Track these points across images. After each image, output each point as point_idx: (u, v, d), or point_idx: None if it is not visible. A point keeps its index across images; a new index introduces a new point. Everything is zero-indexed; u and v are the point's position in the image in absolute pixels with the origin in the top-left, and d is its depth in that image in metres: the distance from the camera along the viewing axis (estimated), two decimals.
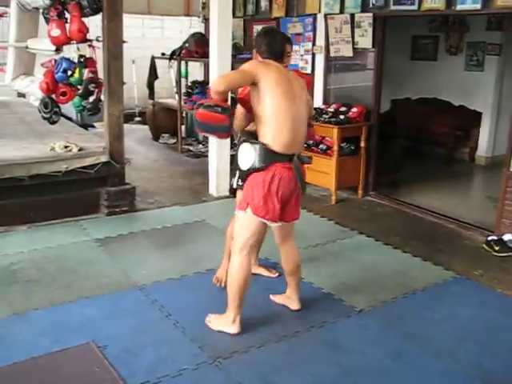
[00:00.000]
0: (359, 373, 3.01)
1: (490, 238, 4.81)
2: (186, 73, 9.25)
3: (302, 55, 7.09)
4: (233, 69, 6.52)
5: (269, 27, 3.83)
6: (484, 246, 4.81)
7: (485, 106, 7.87)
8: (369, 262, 4.53)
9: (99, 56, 5.44)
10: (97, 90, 5.42)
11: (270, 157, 3.07)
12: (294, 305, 3.68)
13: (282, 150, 3.09)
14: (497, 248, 4.69)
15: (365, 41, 6.17)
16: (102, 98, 5.48)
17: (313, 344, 3.30)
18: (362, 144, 6.15)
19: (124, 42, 5.37)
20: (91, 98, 5.49)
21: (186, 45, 8.47)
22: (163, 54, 9.00)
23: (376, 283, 4.10)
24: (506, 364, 3.15)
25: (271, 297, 3.82)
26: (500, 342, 3.37)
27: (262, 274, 4.18)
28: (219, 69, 5.95)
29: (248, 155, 3.12)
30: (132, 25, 9.40)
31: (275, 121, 3.07)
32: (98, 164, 5.33)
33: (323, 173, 6.04)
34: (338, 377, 2.99)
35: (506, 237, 4.72)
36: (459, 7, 5.09)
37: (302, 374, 3.01)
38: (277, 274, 4.15)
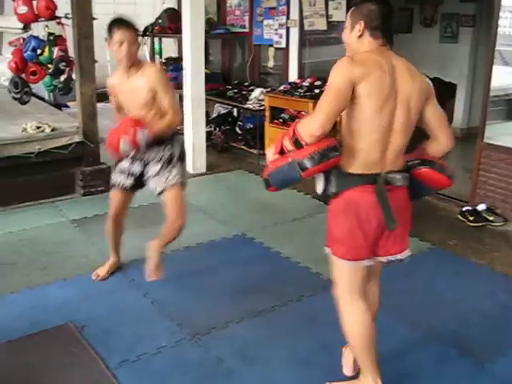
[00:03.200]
0: (337, 347, 3.04)
1: (464, 209, 4.87)
2: (160, 50, 9.11)
3: (276, 29, 7.03)
4: (206, 45, 6.46)
5: None
6: (459, 216, 4.87)
7: (460, 78, 7.89)
8: None
9: (69, 34, 5.33)
10: (68, 69, 5.33)
11: (343, 181, 2.32)
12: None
13: (361, 170, 2.30)
14: (471, 218, 4.76)
15: (339, 14, 6.14)
16: (74, 76, 5.39)
17: (291, 318, 3.32)
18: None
19: (94, 18, 5.26)
20: (62, 77, 5.39)
21: (159, 21, 8.32)
22: None
23: None
24: (481, 331, 3.21)
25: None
26: (474, 309, 3.44)
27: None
28: (192, 45, 5.89)
29: (318, 178, 2.37)
30: (102, 1, 9.20)
31: (356, 133, 2.28)
32: (71, 144, 5.27)
33: None
34: (315, 350, 3.02)
35: (480, 207, 4.79)
36: None
37: (281, 348, 3.04)
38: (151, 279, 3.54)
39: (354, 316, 2.48)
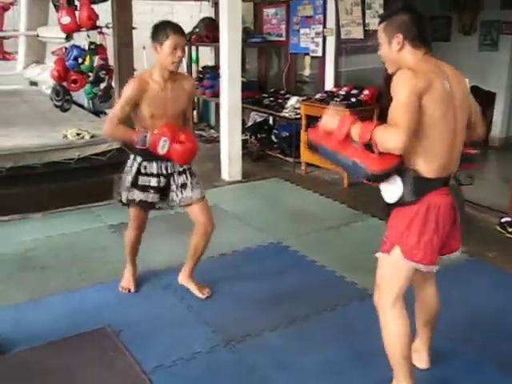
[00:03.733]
0: (371, 356, 3.01)
1: (503, 220, 4.77)
2: (197, 58, 9.24)
3: (312, 38, 7.04)
4: (243, 53, 6.51)
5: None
6: (498, 227, 4.78)
7: (499, 87, 7.76)
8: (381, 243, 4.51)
9: (109, 43, 5.44)
10: (107, 77, 5.44)
11: (422, 186, 2.33)
12: (423, 362, 2.88)
13: (437, 174, 2.34)
14: (510, 230, 4.66)
15: (376, 22, 6.08)
16: (113, 84, 5.50)
17: (325, 327, 3.31)
18: None
19: (134, 28, 5.37)
20: (102, 85, 5.50)
21: (196, 30, 8.45)
22: None
23: None
24: None
25: None
26: None
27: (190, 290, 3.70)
28: (229, 53, 5.94)
29: (393, 185, 2.35)
30: (142, 11, 9.35)
31: (429, 140, 2.28)
32: (110, 151, 5.36)
33: None
34: (349, 359, 3.00)
35: None
36: None
37: (315, 356, 3.02)
38: (206, 296, 3.66)
39: (396, 323, 2.46)
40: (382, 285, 2.50)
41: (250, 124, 7.72)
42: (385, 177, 2.30)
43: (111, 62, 5.47)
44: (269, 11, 7.93)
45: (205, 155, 7.42)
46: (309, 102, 6.49)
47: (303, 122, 6.38)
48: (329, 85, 6.78)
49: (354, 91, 6.23)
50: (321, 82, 7.00)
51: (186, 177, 3.42)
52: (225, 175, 6.27)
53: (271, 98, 7.33)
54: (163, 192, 3.44)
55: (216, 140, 7.83)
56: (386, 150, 2.19)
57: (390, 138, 2.17)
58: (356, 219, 5.10)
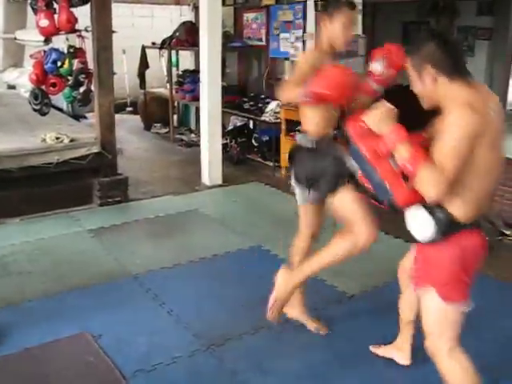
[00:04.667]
0: (351, 358, 3.04)
1: None
2: (177, 62, 9.22)
3: (292, 42, 7.07)
4: (223, 58, 6.51)
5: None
6: None
7: None
8: None
9: (89, 46, 5.41)
10: (87, 81, 5.40)
11: (454, 227, 2.14)
12: (405, 359, 2.93)
13: (471, 217, 2.16)
14: None
15: (354, 28, 6.15)
16: (93, 88, 5.47)
17: (306, 330, 3.32)
18: None
19: (113, 31, 5.35)
20: (81, 89, 5.46)
21: (177, 34, 8.43)
22: (153, 44, 8.95)
23: (367, 268, 4.12)
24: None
25: (372, 349, 3.08)
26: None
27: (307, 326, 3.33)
28: (209, 57, 5.95)
29: (423, 224, 2.16)
30: (121, 14, 9.33)
31: (470, 182, 2.07)
32: (89, 155, 5.33)
33: None
34: (330, 363, 3.02)
35: None
36: None
37: (295, 360, 3.04)
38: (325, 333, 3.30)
39: (461, 369, 2.28)
40: (431, 330, 2.31)
41: (230, 128, 7.73)
42: (405, 211, 2.17)
43: (91, 65, 5.44)
44: (249, 16, 7.95)
45: (185, 159, 7.43)
46: (289, 106, 6.51)
47: (283, 126, 6.41)
48: None
49: None
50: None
51: None
52: (205, 179, 6.26)
53: (251, 103, 7.35)
54: None
55: (196, 144, 7.82)
56: (421, 190, 2.03)
57: (431, 184, 1.99)
58: (335, 223, 5.11)
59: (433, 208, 2.12)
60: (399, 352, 2.94)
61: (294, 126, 6.39)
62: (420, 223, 2.17)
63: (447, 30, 8.09)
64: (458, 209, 2.12)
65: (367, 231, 2.72)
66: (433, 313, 2.29)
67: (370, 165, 2.16)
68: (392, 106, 2.19)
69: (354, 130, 2.22)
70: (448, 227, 2.14)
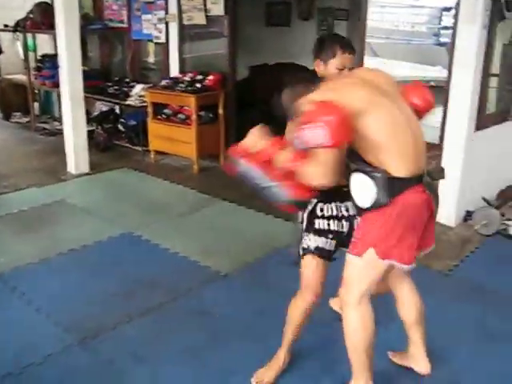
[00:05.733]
0: (227, 335, 3.10)
1: None
2: (34, 46, 8.72)
3: (155, 24, 6.94)
4: (83, 41, 6.27)
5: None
6: None
7: None
8: (232, 226, 4.63)
9: None
10: None
11: (398, 186, 2.25)
12: (422, 366, 2.75)
13: (410, 173, 2.26)
14: None
15: (217, 8, 6.17)
16: None
17: (180, 313, 3.33)
18: (220, 111, 6.19)
19: None
20: None
21: (31, 15, 7.96)
22: (6, 26, 8.38)
23: (240, 246, 4.21)
24: None
25: (390, 355, 2.88)
26: None
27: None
28: (67, 41, 5.69)
29: (367, 189, 2.27)
30: None
31: (392, 142, 2.24)
32: None
33: (183, 142, 6.03)
34: (206, 342, 3.04)
35: None
36: None
37: (171, 344, 3.04)
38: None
39: (361, 318, 2.38)
40: (349, 283, 2.40)
41: (95, 114, 7.46)
42: (304, 203, 2.44)
43: None
44: None
45: (48, 148, 7.09)
46: (154, 89, 6.42)
47: (149, 109, 6.31)
48: (174, 71, 6.74)
49: (199, 77, 6.25)
50: (165, 68, 6.93)
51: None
52: (71, 168, 6.02)
53: (116, 87, 7.14)
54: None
55: (61, 132, 7.48)
56: (308, 183, 2.27)
57: (313, 176, 2.24)
58: (207, 204, 5.16)
59: (372, 172, 2.26)
60: (415, 361, 2.77)
61: (160, 109, 6.35)
62: (362, 187, 2.30)
63: (308, 10, 8.37)
64: (395, 170, 2.24)
65: (311, 293, 2.58)
66: (359, 265, 2.36)
67: (261, 174, 2.41)
68: (262, 125, 2.47)
69: (236, 152, 2.49)
70: (391, 188, 2.24)
